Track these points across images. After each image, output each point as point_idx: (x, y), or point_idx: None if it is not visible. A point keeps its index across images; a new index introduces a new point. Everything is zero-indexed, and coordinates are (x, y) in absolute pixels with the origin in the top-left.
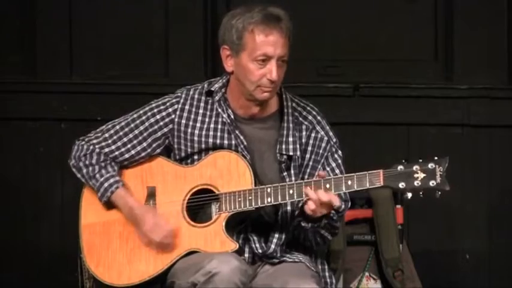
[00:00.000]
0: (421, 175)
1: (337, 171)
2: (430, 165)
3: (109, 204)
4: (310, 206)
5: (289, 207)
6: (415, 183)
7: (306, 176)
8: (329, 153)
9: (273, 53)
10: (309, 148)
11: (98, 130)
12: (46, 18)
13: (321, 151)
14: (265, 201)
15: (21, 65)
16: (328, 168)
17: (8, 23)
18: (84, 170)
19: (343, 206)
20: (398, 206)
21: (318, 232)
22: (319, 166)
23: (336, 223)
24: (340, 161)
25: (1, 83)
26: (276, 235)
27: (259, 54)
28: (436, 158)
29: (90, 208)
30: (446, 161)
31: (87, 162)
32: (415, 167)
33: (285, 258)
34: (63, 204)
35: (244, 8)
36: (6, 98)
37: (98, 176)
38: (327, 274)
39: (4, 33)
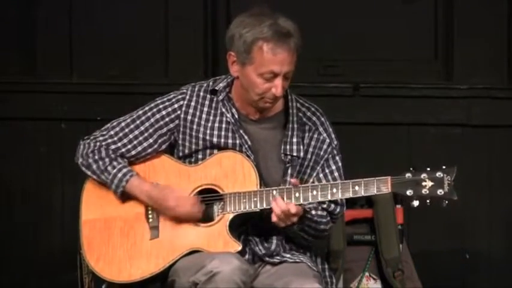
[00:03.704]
0: (429, 183)
1: (335, 174)
2: (438, 174)
3: (123, 195)
4: (273, 219)
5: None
6: (423, 191)
7: (306, 177)
8: (329, 156)
9: (279, 70)
10: (310, 149)
11: (102, 128)
12: (46, 18)
13: (321, 153)
14: (271, 203)
15: (21, 65)
16: (327, 170)
17: (8, 22)
18: (95, 166)
19: (338, 209)
20: (399, 206)
21: (298, 234)
22: (318, 167)
23: (325, 226)
24: (340, 164)
25: (1, 83)
26: (276, 234)
27: (266, 71)
28: (444, 167)
29: (91, 204)
30: (454, 171)
31: (96, 157)
32: (423, 175)
33: (286, 259)
34: (63, 204)
35: (255, 18)
36: (6, 98)
37: (109, 168)
38: (327, 274)
39: (4, 33)
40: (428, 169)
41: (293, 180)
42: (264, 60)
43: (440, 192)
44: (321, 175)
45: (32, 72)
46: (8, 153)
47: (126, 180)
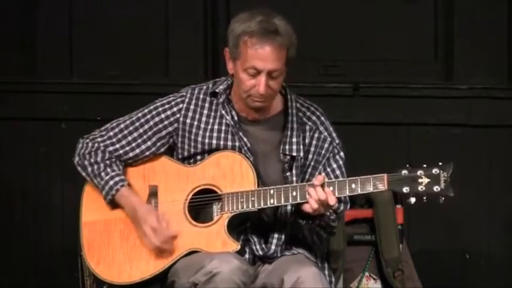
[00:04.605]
0: (425, 180)
1: (337, 172)
2: (435, 171)
3: (111, 203)
4: (312, 206)
5: (288, 207)
6: (419, 188)
7: (307, 176)
8: (331, 154)
9: (262, 67)
10: (312, 149)
11: (102, 128)
12: (46, 18)
13: (323, 151)
14: (268, 203)
15: (21, 65)
16: (328, 169)
17: (8, 23)
18: (89, 169)
19: (341, 207)
20: (399, 206)
21: (313, 230)
22: (320, 166)
23: (333, 223)
24: (341, 162)
25: (1, 83)
26: (276, 235)
27: (248, 66)
28: (440, 163)
29: (91, 206)
30: (450, 167)
31: (92, 160)
32: (420, 172)
33: (284, 254)
34: (63, 204)
35: (248, 15)
36: (6, 98)
37: (103, 174)
38: (326, 274)
39: (4, 33)
40: (425, 166)
41: (320, 177)
42: (248, 55)
43: (436, 188)
44: (323, 174)
45: (32, 72)
46: (8, 153)
47: (116, 190)
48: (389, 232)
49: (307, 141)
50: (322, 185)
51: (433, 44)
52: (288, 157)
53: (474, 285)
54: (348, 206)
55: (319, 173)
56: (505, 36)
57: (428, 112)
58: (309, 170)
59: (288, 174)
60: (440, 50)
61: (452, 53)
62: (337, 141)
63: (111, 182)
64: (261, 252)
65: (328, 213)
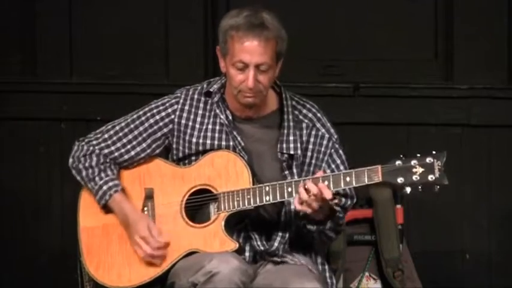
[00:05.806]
0: (420, 170)
1: (342, 167)
2: (428, 160)
3: (105, 208)
4: (296, 206)
5: (292, 206)
6: (414, 177)
7: (309, 175)
8: (332, 150)
9: (249, 60)
10: (310, 146)
11: (98, 131)
12: (46, 18)
13: (322, 149)
14: (264, 200)
15: (21, 65)
16: (333, 165)
17: (8, 23)
18: (84, 173)
19: (348, 202)
20: (399, 206)
21: (323, 232)
22: (324, 164)
23: (341, 220)
24: (344, 158)
25: (1, 83)
26: (280, 233)
27: (236, 60)
28: (434, 152)
29: (88, 211)
30: (444, 156)
31: (86, 164)
32: (413, 162)
33: (286, 260)
34: (63, 204)
35: (236, 11)
36: (6, 98)
37: (97, 179)
38: (327, 274)
39: (4, 33)
40: (418, 155)
41: (320, 174)
42: (235, 49)
43: (431, 177)
44: (328, 171)
45: (32, 72)
46: (8, 153)
47: (109, 195)
48: (389, 232)
49: (304, 138)
50: (316, 181)
51: (433, 44)
52: (286, 156)
53: (474, 285)
54: (354, 200)
55: (324, 171)
56: (505, 36)
57: (428, 112)
58: (311, 168)
59: (287, 172)
60: (440, 50)
61: (452, 53)
62: (335, 136)
63: (105, 187)
64: (262, 248)
65: (337, 213)
